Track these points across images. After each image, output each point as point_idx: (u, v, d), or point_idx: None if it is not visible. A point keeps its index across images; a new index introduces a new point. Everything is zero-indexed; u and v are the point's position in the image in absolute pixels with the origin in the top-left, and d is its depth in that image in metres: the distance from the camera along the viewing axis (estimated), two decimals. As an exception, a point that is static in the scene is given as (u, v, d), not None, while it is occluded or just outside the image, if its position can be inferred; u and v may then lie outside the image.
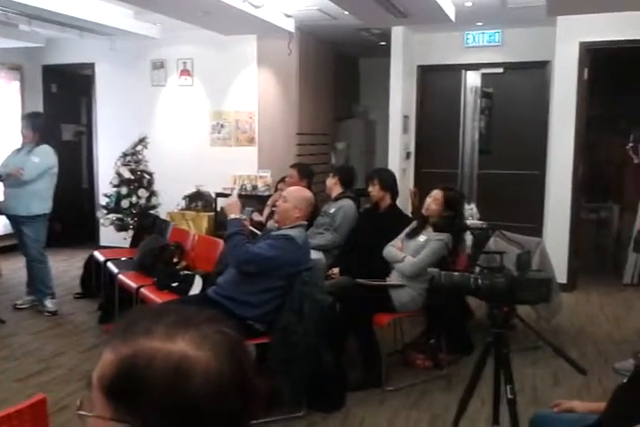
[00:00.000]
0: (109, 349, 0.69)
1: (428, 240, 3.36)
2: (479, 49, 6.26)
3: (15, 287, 5.20)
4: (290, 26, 5.79)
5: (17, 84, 6.87)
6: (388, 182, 3.98)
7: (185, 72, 6.52)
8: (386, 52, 6.17)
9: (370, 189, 3.97)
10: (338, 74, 7.23)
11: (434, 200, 3.45)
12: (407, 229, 3.55)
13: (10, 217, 4.49)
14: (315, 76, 6.55)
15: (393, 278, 3.44)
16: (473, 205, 5.44)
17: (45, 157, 4.43)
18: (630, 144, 3.53)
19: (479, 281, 2.09)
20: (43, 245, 4.52)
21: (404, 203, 5.48)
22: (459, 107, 6.52)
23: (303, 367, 2.87)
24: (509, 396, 2.03)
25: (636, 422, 1.47)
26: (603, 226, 6.59)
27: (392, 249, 3.48)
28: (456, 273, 2.25)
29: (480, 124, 6.51)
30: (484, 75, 6.45)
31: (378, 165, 6.68)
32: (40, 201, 4.43)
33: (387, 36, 6.12)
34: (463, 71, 6.48)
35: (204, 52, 6.41)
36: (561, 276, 4.97)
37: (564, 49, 5.33)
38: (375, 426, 2.86)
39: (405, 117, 6.28)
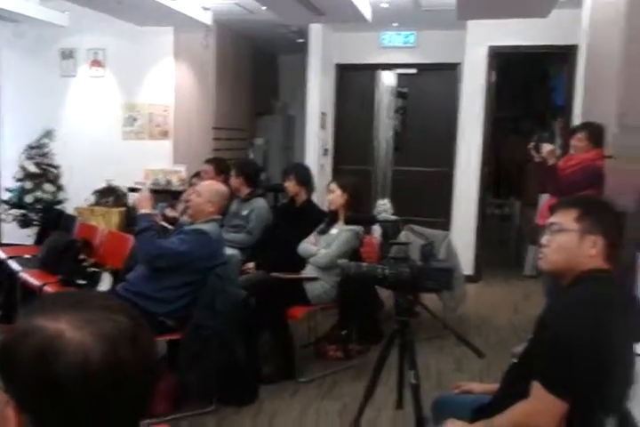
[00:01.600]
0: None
1: (340, 232, 3.44)
2: (394, 49, 6.44)
3: None
4: (207, 19, 5.71)
5: None
6: (304, 177, 4.02)
7: (96, 63, 6.27)
8: (304, 49, 6.22)
9: (286, 184, 4.01)
10: (256, 69, 7.21)
11: (332, 192, 3.54)
12: (320, 226, 3.61)
13: None
14: (232, 70, 6.49)
15: (307, 272, 3.49)
16: (386, 201, 5.60)
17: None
18: (532, 143, 3.76)
19: (386, 271, 2.17)
20: None
21: (322, 199, 5.55)
22: (374, 105, 6.69)
23: (215, 362, 2.85)
24: (413, 381, 2.12)
25: (522, 398, 1.58)
26: (506, 221, 6.99)
27: (306, 245, 3.53)
28: (365, 264, 2.33)
29: (395, 123, 6.71)
30: (398, 75, 6.65)
31: (296, 161, 6.72)
32: None
33: (305, 33, 6.17)
34: (379, 71, 6.65)
35: (118, 42, 6.19)
36: (467, 268, 5.22)
37: (473, 52, 5.58)
38: (287, 418, 2.90)
39: (323, 114, 6.35)
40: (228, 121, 6.41)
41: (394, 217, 4.39)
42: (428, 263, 2.19)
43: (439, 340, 3.90)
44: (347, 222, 3.35)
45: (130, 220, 5.42)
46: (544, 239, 1.70)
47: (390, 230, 3.71)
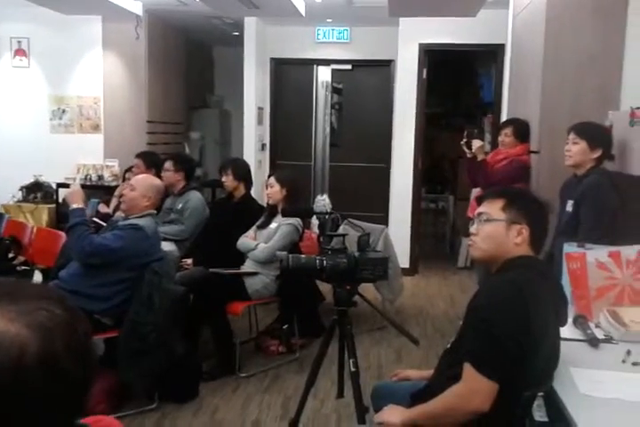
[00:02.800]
0: None
1: (279, 226, 3.45)
2: (329, 45, 6.49)
3: None
4: (137, 9, 5.56)
5: None
6: (242, 172, 4.00)
7: (20, 52, 5.98)
8: (240, 41, 6.16)
9: (223, 179, 3.97)
10: (190, 61, 7.08)
11: (271, 187, 3.55)
12: (258, 222, 3.61)
13: None
14: (165, 62, 6.35)
15: (247, 267, 3.48)
16: (325, 196, 5.65)
17: None
18: (464, 140, 3.89)
19: (324, 262, 2.20)
20: None
21: (261, 194, 5.54)
22: (311, 101, 6.72)
23: (154, 359, 2.80)
24: (352, 369, 2.17)
25: (455, 381, 1.65)
26: (440, 215, 7.21)
27: (245, 239, 3.52)
28: (303, 256, 2.35)
29: (331, 119, 6.76)
30: (334, 70, 6.70)
31: (234, 156, 6.66)
32: None
33: (240, 26, 6.11)
34: (315, 66, 6.68)
35: (43, 31, 5.93)
36: (404, 261, 5.35)
37: (405, 49, 5.70)
38: (228, 412, 2.89)
39: (260, 109, 6.33)
40: (162, 114, 6.27)
41: (330, 210, 4.43)
42: (364, 254, 2.23)
43: (379, 332, 3.99)
44: (284, 215, 3.37)
45: (60, 216, 5.23)
46: (473, 228, 1.78)
47: (328, 223, 3.74)
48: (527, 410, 1.62)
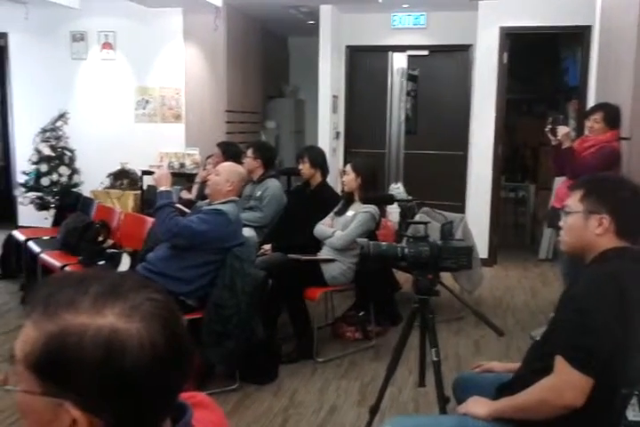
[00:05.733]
0: (31, 323, 0.67)
1: (356, 214, 3.45)
2: (405, 31, 6.38)
3: None
4: (217, 0, 5.66)
5: None
6: (318, 160, 4.02)
7: (107, 45, 6.25)
8: (315, 31, 6.17)
9: (300, 167, 4.01)
10: (267, 52, 7.16)
11: (347, 174, 3.55)
12: (335, 208, 3.62)
13: None
14: (243, 53, 6.46)
15: (324, 254, 3.51)
16: (400, 184, 5.60)
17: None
18: (549, 126, 3.72)
19: (405, 250, 2.18)
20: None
21: (335, 182, 5.56)
22: (386, 88, 6.64)
23: (236, 341, 2.89)
24: (434, 358, 2.14)
25: (546, 374, 1.60)
26: (520, 204, 6.97)
27: (322, 226, 3.55)
28: (384, 243, 2.34)
29: (406, 106, 6.66)
30: (409, 57, 6.58)
31: (308, 145, 6.71)
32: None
33: (315, 14, 6.12)
34: (390, 53, 6.59)
35: (128, 24, 6.17)
36: (482, 251, 5.23)
37: (485, 33, 5.52)
38: (307, 396, 2.94)
39: (334, 97, 6.33)
40: (241, 104, 6.39)
41: (405, 195, 4.37)
42: (447, 242, 2.19)
43: (456, 323, 3.93)
44: (365, 202, 3.36)
45: (144, 203, 5.46)
46: (561, 222, 1.73)
47: (408, 211, 3.72)
48: (622, 408, 1.56)
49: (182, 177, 5.47)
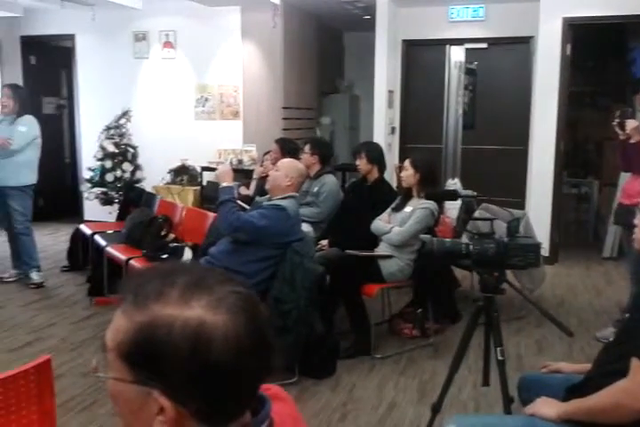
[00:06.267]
0: (122, 314, 0.69)
1: (414, 210, 3.42)
2: (463, 24, 6.25)
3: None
4: (275, -3, 5.72)
5: (-6, 55, 6.70)
6: (375, 155, 4.00)
7: (168, 44, 6.42)
8: (370, 25, 6.13)
9: (357, 162, 4.00)
10: (322, 48, 7.18)
11: (405, 169, 3.51)
12: (393, 204, 3.60)
13: (-5, 189, 4.43)
14: (299, 49, 6.49)
15: (381, 250, 3.49)
16: (457, 180, 5.50)
17: (31, 126, 4.39)
18: (616, 120, 3.56)
19: (470, 247, 2.15)
20: (29, 218, 4.48)
21: (390, 178, 5.53)
22: (443, 82, 6.53)
23: (295, 335, 2.92)
24: (500, 357, 2.11)
25: (620, 376, 1.54)
26: (583, 201, 6.73)
27: (379, 222, 3.53)
28: (447, 240, 2.31)
29: (464, 100, 6.54)
30: (467, 50, 6.45)
31: (363, 140, 6.69)
32: (28, 171, 4.40)
33: (371, 9, 6.08)
34: (447, 46, 6.47)
35: (187, 23, 6.30)
36: (543, 249, 5.07)
37: (548, 25, 5.35)
38: (365, 391, 2.94)
39: (390, 92, 6.28)
40: (297, 100, 6.44)
41: (474, 193, 4.28)
42: (514, 239, 2.14)
43: (516, 322, 3.84)
44: (428, 198, 3.32)
45: (204, 198, 5.58)
46: (637, 219, 1.66)
47: (470, 207, 3.66)
48: None
49: (240, 173, 5.56)
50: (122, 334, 0.68)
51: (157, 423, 0.67)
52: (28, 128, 4.36)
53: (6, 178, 4.32)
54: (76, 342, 3.50)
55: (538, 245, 2.18)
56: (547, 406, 1.68)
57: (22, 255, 4.53)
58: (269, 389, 0.89)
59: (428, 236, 2.35)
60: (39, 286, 4.50)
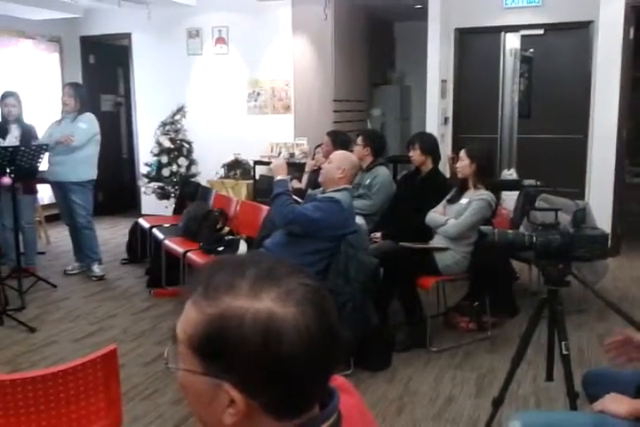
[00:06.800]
0: (193, 305, 0.69)
1: (471, 201, 3.35)
2: (519, 10, 6.07)
3: (63, 254, 5.37)
4: (326, -10, 5.70)
5: (56, 55, 6.94)
6: (429, 146, 3.94)
7: (220, 40, 6.49)
8: (422, 15, 6.04)
9: (411, 153, 3.95)
10: (373, 39, 7.12)
11: (461, 160, 3.44)
12: (448, 196, 3.53)
13: (58, 184, 4.60)
14: (350, 41, 6.46)
15: (436, 242, 3.44)
16: (512, 171, 5.37)
17: (91, 123, 4.54)
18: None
19: (534, 238, 2.08)
20: (90, 213, 4.65)
21: (443, 169, 5.44)
22: (498, 70, 6.37)
23: (350, 328, 2.92)
24: (564, 352, 2.04)
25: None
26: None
27: (434, 214, 3.48)
28: (510, 231, 2.25)
29: (520, 88, 6.36)
30: (523, 37, 6.26)
31: (414, 132, 6.61)
32: (88, 167, 4.56)
33: (423, -2, 5.98)
34: (502, 33, 6.30)
35: (239, 19, 6.36)
36: (605, 240, 4.88)
37: (609, 8, 5.13)
38: (421, 384, 2.91)
39: (443, 82, 6.17)
40: (348, 93, 6.41)
41: (537, 182, 4.16)
42: (580, 230, 2.07)
43: (577, 315, 3.71)
44: (488, 188, 3.24)
45: (257, 191, 5.64)
46: None
47: (531, 198, 3.55)
48: None
49: (292, 166, 5.58)
50: (192, 326, 0.68)
51: (228, 416, 0.67)
52: (88, 125, 4.51)
53: (68, 173, 4.48)
54: (137, 332, 3.62)
55: (605, 236, 2.10)
56: (616, 403, 1.62)
57: (84, 249, 4.70)
58: (335, 379, 0.88)
59: (489, 227, 2.29)
60: (100, 278, 4.67)
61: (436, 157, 3.96)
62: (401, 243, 3.46)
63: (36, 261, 4.83)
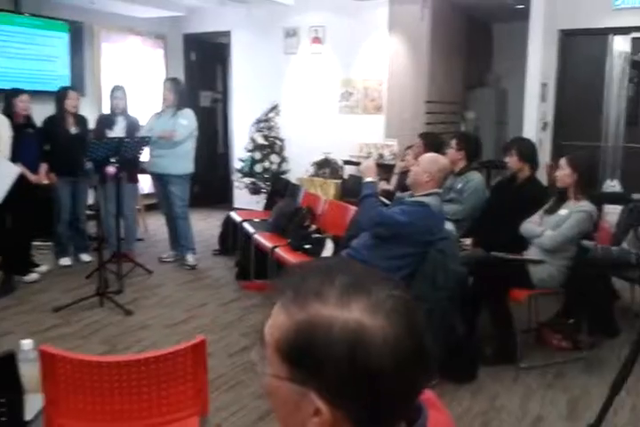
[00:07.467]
0: (282, 309, 0.69)
1: (570, 213, 3.18)
2: (629, 11, 5.69)
3: (159, 242, 5.63)
4: (425, -11, 5.60)
5: (161, 51, 7.28)
6: (528, 153, 3.79)
7: (316, 40, 6.55)
8: (523, 15, 5.80)
9: (507, 159, 3.82)
10: (470, 40, 6.93)
11: (561, 169, 3.26)
12: (546, 206, 3.38)
13: (158, 176, 4.83)
14: (446, 42, 6.32)
15: (531, 253, 3.31)
16: (616, 182, 5.07)
17: (191, 119, 4.73)
18: None
19: (646, 259, 1.95)
20: (186, 204, 4.85)
21: (540, 177, 5.22)
22: (603, 74, 6.02)
23: (436, 337, 2.86)
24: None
25: None
26: None
27: (530, 225, 3.34)
28: (614, 247, 2.12)
29: (627, 94, 5.98)
30: (634, 39, 5.88)
31: (510, 136, 6.39)
32: (187, 161, 4.76)
33: (526, -2, 5.74)
34: (610, 36, 5.95)
35: (336, 18, 6.39)
36: None
37: None
38: (509, 401, 2.81)
39: (543, 85, 5.91)
40: (441, 94, 6.29)
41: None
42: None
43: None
44: (591, 200, 3.08)
45: (345, 191, 5.66)
46: None
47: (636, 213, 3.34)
48: None
49: (380, 168, 5.54)
50: (280, 331, 0.68)
51: (312, 424, 0.67)
52: (188, 121, 4.70)
53: (168, 167, 4.70)
54: (224, 322, 3.73)
55: None
56: None
57: (179, 238, 4.91)
58: (423, 393, 0.87)
59: (591, 242, 2.17)
60: (193, 267, 4.85)
61: (533, 164, 3.80)
62: (493, 252, 3.36)
63: (134, 247, 5.09)
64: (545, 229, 3.25)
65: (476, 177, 4.01)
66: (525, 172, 3.77)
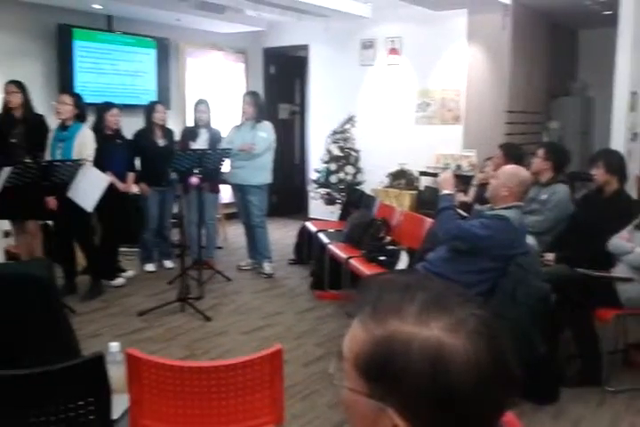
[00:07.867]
0: (361, 324, 0.69)
1: (667, 231, 3.00)
2: None
3: (237, 250, 5.78)
4: (506, -2, 5.49)
5: (242, 65, 7.52)
6: (615, 165, 3.62)
7: (393, 51, 6.55)
8: (611, 21, 5.55)
9: (593, 171, 3.65)
10: (553, 48, 6.71)
11: None
12: (636, 221, 3.21)
13: (238, 186, 4.98)
14: (528, 50, 6.15)
15: (619, 271, 3.14)
16: None
17: (270, 132, 4.85)
18: None
19: None
20: (264, 213, 4.97)
21: (629, 190, 4.95)
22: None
23: (515, 354, 2.76)
24: None
25: None
26: None
27: (619, 240, 3.18)
28: None
29: None
30: None
31: (596, 147, 6.11)
32: (265, 172, 4.89)
33: (613, 4, 5.49)
34: None
35: (413, 29, 6.37)
36: None
37: None
38: (594, 426, 2.67)
39: (633, 94, 5.61)
40: (522, 104, 6.11)
41: None
42: None
43: None
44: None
45: (421, 202, 5.60)
46: None
47: None
48: None
49: (458, 179, 5.45)
50: (359, 346, 0.68)
51: None
52: (267, 134, 4.83)
53: (248, 178, 4.84)
54: (299, 331, 3.77)
55: None
56: None
57: (257, 246, 5.04)
58: (505, 415, 0.85)
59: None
60: (269, 276, 4.95)
61: (622, 176, 3.62)
62: (578, 269, 3.22)
63: (214, 254, 5.26)
64: (635, 245, 3.09)
65: (562, 189, 3.87)
66: (613, 185, 3.60)
